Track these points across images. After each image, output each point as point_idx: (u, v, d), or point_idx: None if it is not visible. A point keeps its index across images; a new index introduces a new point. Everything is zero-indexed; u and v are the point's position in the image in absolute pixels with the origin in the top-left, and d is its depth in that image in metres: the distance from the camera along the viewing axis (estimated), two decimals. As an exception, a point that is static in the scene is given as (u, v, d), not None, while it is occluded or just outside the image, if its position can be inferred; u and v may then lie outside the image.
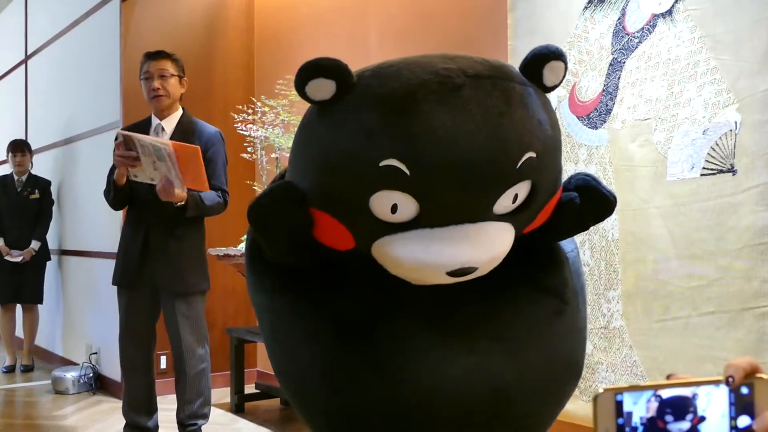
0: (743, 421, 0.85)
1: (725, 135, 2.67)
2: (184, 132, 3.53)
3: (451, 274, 1.58)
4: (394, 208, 1.55)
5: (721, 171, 2.68)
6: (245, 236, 4.85)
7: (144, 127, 3.57)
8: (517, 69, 1.63)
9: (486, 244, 1.59)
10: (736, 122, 2.64)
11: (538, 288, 1.85)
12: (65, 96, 6.06)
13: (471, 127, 1.47)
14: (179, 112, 3.63)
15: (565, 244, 2.00)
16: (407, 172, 1.48)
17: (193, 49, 5.25)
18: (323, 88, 1.55)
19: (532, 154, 1.54)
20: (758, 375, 0.85)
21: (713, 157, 2.70)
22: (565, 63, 1.65)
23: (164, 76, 3.53)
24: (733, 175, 2.64)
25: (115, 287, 3.62)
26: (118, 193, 3.42)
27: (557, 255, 1.92)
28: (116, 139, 3.29)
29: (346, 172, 1.55)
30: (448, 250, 1.56)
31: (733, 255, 2.62)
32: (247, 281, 2.05)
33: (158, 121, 3.56)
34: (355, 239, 1.64)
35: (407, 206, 1.55)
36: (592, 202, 1.80)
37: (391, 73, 1.55)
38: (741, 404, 0.85)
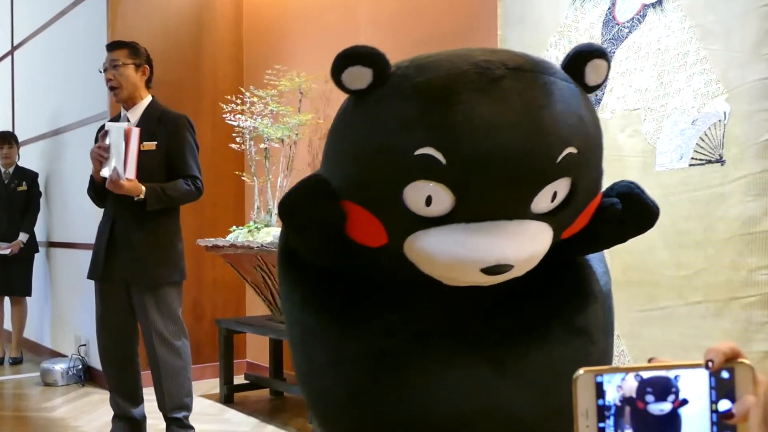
0: (724, 405, 0.85)
1: (714, 125, 2.67)
2: (148, 120, 3.47)
3: (486, 271, 1.52)
4: (428, 201, 1.50)
5: (710, 161, 2.69)
6: (233, 227, 4.85)
7: (116, 120, 3.53)
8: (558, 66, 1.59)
9: (524, 242, 1.54)
10: (725, 112, 2.64)
11: (568, 329, 1.78)
12: (52, 87, 6.02)
13: (511, 118, 1.43)
14: (147, 100, 3.55)
15: (601, 277, 1.93)
16: (443, 161, 1.44)
17: (181, 40, 5.24)
18: (360, 77, 1.52)
19: (573, 150, 1.49)
20: (739, 360, 0.85)
21: (702, 147, 2.71)
22: (609, 62, 1.61)
23: (117, 66, 3.44)
24: (722, 165, 2.65)
25: None
26: (95, 189, 3.42)
27: (591, 288, 1.85)
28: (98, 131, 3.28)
29: (381, 161, 1.51)
30: (484, 245, 1.51)
31: (721, 245, 2.63)
32: (279, 286, 2.01)
33: (125, 112, 3.53)
34: (388, 234, 1.59)
35: (442, 198, 1.50)
36: (634, 211, 1.75)
37: (429, 64, 1.52)
38: (722, 389, 0.85)
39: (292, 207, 1.62)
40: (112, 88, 3.47)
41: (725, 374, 0.85)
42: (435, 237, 1.54)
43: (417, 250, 1.58)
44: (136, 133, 3.16)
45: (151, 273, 3.44)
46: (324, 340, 1.79)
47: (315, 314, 1.82)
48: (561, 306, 1.80)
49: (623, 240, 1.81)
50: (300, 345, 1.88)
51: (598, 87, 1.62)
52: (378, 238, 1.61)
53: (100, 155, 3.23)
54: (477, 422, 1.71)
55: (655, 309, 2.81)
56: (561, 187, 1.54)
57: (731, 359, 0.85)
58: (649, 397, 0.86)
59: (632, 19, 2.93)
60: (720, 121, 2.65)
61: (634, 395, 0.86)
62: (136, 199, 3.26)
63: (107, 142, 3.20)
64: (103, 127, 3.28)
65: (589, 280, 1.85)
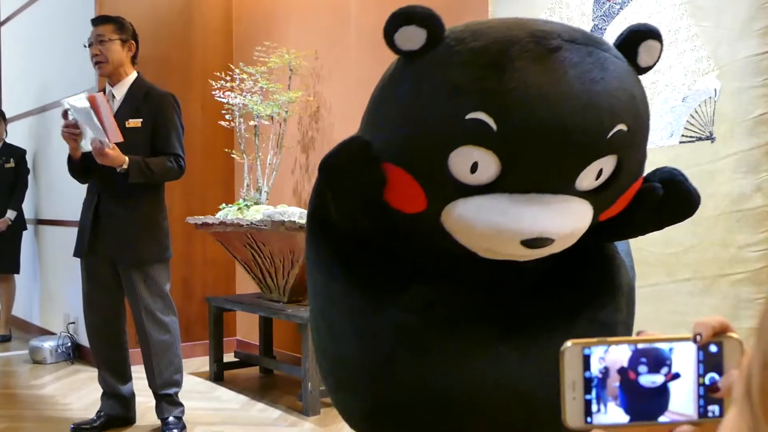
0: (711, 378, 0.85)
1: (704, 102, 2.67)
2: (133, 97, 3.45)
3: (526, 243, 1.50)
4: (474, 168, 1.49)
5: (700, 138, 2.69)
6: (223, 204, 4.83)
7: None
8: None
9: (567, 216, 1.53)
10: (715, 89, 2.64)
11: (592, 320, 1.76)
12: (39, 63, 5.97)
13: (565, 89, 1.42)
14: (132, 76, 3.52)
15: (629, 271, 1.92)
16: (494, 127, 1.43)
17: (171, 17, 5.19)
18: (414, 37, 1.50)
19: (623, 127, 1.48)
20: (728, 334, 0.85)
21: (692, 124, 2.71)
22: (662, 44, 1.60)
23: (103, 41, 3.41)
24: (712, 142, 2.65)
25: None
26: (75, 167, 3.39)
27: (619, 282, 1.84)
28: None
29: (431, 123, 1.49)
30: (528, 216, 1.49)
31: (711, 222, 2.64)
32: (307, 252, 1.98)
33: (110, 87, 3.50)
34: (428, 200, 1.57)
35: (489, 166, 1.48)
36: (674, 198, 1.72)
37: (485, 30, 1.50)
38: (710, 362, 0.85)
39: (334, 169, 1.61)
40: (97, 63, 3.44)
41: (713, 348, 0.85)
42: (476, 204, 1.53)
43: (456, 217, 1.56)
44: (100, 97, 3.12)
45: (136, 251, 3.42)
46: (350, 311, 1.79)
47: (344, 284, 1.81)
48: (589, 298, 1.79)
49: (659, 228, 1.79)
50: (321, 313, 1.89)
51: (650, 68, 1.60)
52: (416, 204, 1.59)
53: (71, 133, 3.20)
54: (495, 405, 1.71)
55: (645, 286, 2.82)
56: (607, 164, 1.53)
57: (720, 333, 0.85)
58: (642, 368, 0.86)
59: (623, -5, 2.92)
60: (710, 98, 2.65)
61: (625, 365, 0.86)
62: (119, 170, 3.23)
63: (71, 119, 3.18)
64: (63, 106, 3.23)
65: (618, 274, 1.84)
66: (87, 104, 3.04)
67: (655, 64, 1.61)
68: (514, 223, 1.49)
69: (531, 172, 1.50)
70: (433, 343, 1.70)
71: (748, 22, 2.55)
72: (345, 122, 4.29)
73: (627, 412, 0.86)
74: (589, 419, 0.87)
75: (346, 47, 4.41)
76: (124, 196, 3.39)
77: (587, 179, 1.53)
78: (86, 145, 3.22)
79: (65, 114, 3.19)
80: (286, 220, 3.88)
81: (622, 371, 0.86)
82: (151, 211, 3.48)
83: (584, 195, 1.56)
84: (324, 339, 1.89)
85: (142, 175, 3.30)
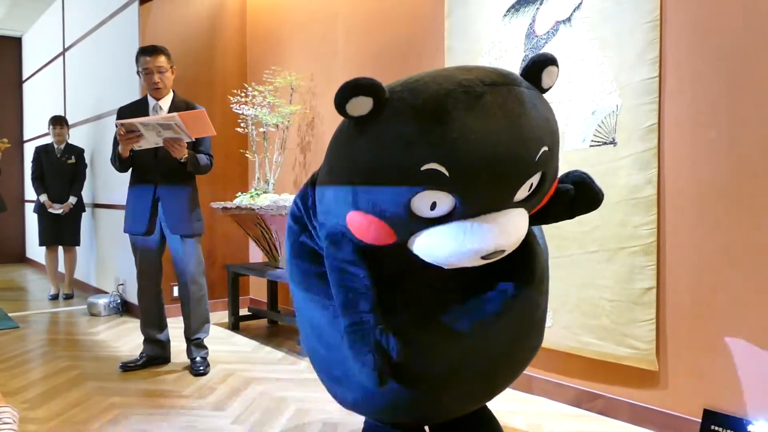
0: None
1: (609, 115, 2.69)
2: (177, 109, 3.42)
3: (486, 257, 1.49)
4: (433, 206, 1.45)
5: (605, 143, 2.70)
6: (239, 193, 4.80)
7: (143, 105, 3.47)
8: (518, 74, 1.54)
9: (512, 230, 1.51)
10: (617, 105, 2.66)
11: (530, 281, 1.75)
12: (96, 81, 5.89)
13: (497, 129, 1.38)
14: (171, 93, 3.51)
15: (540, 237, 1.92)
16: (446, 173, 1.39)
17: (197, 44, 5.14)
18: (362, 105, 1.43)
19: (546, 148, 1.47)
20: None
21: (599, 132, 2.73)
22: (558, 68, 1.57)
23: (162, 71, 3.40)
24: (614, 146, 2.67)
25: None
26: (124, 162, 3.36)
27: (535, 246, 1.81)
28: (117, 126, 3.21)
29: (391, 178, 1.43)
30: (482, 239, 1.47)
31: (613, 207, 2.66)
32: (288, 275, 1.92)
33: (155, 101, 3.45)
34: (396, 234, 1.53)
35: (445, 202, 1.45)
36: (584, 196, 1.74)
37: (420, 87, 1.44)
38: None
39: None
40: (156, 88, 3.41)
41: None
42: (439, 235, 1.49)
43: (422, 246, 1.53)
44: (203, 113, 3.11)
45: (187, 225, 3.43)
46: (335, 318, 1.73)
47: (327, 299, 1.76)
48: (522, 266, 1.76)
49: (570, 218, 1.78)
50: (309, 324, 1.83)
51: (550, 89, 1.58)
52: (386, 239, 1.55)
53: (129, 139, 3.16)
54: (463, 380, 1.72)
55: (562, 256, 2.85)
56: (536, 179, 1.52)
57: None
58: None
59: (548, 32, 2.92)
60: (613, 111, 2.67)
61: None
62: (182, 159, 3.27)
63: (140, 129, 3.14)
64: (122, 123, 3.19)
65: (534, 241, 1.82)
66: (173, 121, 3.04)
67: (553, 85, 1.59)
68: (474, 245, 1.47)
69: (480, 200, 1.47)
70: (411, 338, 1.66)
71: (642, 53, 2.57)
72: (333, 130, 4.26)
73: None
74: None
75: (335, 71, 4.39)
76: (176, 186, 3.41)
77: (522, 193, 1.52)
78: (144, 144, 3.22)
79: (121, 125, 3.15)
80: (288, 205, 3.87)
81: None
82: (194, 197, 3.50)
83: (520, 204, 1.55)
84: (314, 344, 1.83)
85: (194, 165, 3.36)
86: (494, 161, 1.39)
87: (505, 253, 1.54)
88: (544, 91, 1.57)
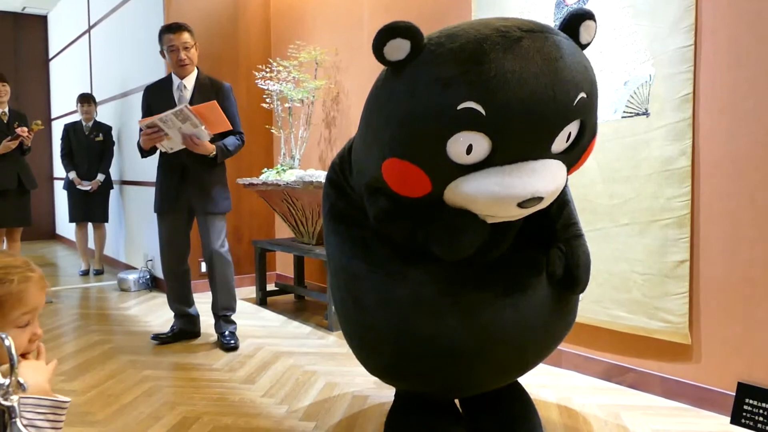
0: None
1: (641, 85, 2.63)
2: (202, 87, 3.43)
3: (522, 204, 1.47)
4: (469, 149, 1.44)
5: (638, 114, 2.65)
6: (265, 169, 4.80)
7: (166, 84, 3.47)
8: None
9: (549, 177, 1.49)
10: (650, 75, 2.60)
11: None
12: (121, 58, 5.91)
13: (535, 71, 1.37)
14: (196, 70, 3.49)
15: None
16: (483, 112, 1.38)
17: (221, 19, 5.12)
18: (399, 49, 1.44)
19: (584, 95, 1.45)
20: None
21: (632, 103, 2.67)
22: (596, 23, 1.55)
23: (188, 48, 3.38)
24: (647, 117, 2.62)
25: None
26: (146, 152, 3.38)
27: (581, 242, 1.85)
28: (140, 129, 3.23)
29: (427, 119, 1.42)
30: (520, 183, 1.45)
31: (645, 179, 2.62)
32: (325, 239, 1.94)
33: (179, 80, 3.44)
34: (432, 183, 1.52)
35: (481, 146, 1.43)
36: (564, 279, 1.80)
37: (458, 32, 1.44)
38: None
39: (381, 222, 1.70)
40: (183, 65, 3.39)
41: None
42: (476, 181, 1.48)
43: (459, 193, 1.51)
44: (189, 108, 3.10)
45: (215, 203, 3.45)
46: (373, 284, 1.74)
47: (365, 263, 1.77)
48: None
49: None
50: (346, 287, 1.83)
51: (588, 45, 1.56)
52: (422, 188, 1.53)
53: (151, 138, 3.20)
54: (494, 353, 1.70)
55: (593, 230, 2.81)
56: (574, 127, 1.50)
57: None
58: None
59: (578, 1, 2.86)
60: (646, 81, 2.61)
61: None
62: (210, 155, 3.31)
63: (164, 128, 3.16)
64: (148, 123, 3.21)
65: (578, 233, 1.89)
66: (181, 108, 3.04)
67: (592, 41, 1.56)
68: (510, 189, 1.45)
69: (516, 144, 1.45)
70: (443, 309, 1.66)
71: (677, 21, 2.50)
72: (359, 104, 4.24)
73: None
74: None
75: (360, 45, 4.35)
76: (205, 167, 3.41)
77: (560, 143, 1.50)
78: (168, 145, 3.26)
79: (145, 124, 3.17)
80: (314, 180, 3.86)
81: None
82: (222, 176, 3.52)
83: (558, 156, 1.53)
84: (350, 308, 1.83)
85: (224, 155, 3.39)
86: (531, 102, 1.38)
87: (543, 204, 1.52)
88: (583, 47, 1.55)
